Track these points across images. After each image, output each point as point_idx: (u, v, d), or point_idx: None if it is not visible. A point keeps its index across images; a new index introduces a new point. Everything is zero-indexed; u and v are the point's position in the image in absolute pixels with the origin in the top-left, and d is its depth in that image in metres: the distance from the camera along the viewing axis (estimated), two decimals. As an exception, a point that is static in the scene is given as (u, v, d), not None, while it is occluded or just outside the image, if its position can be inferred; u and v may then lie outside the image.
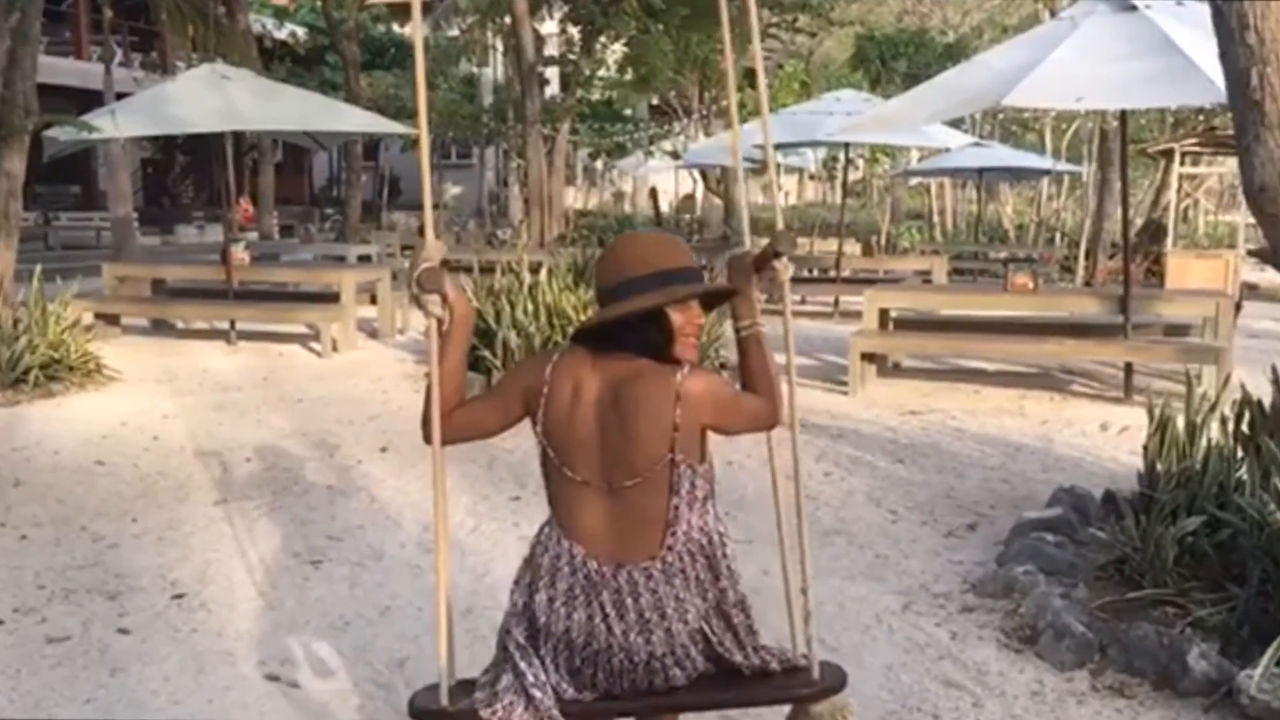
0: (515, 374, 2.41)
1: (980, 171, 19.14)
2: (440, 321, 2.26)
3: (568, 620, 2.24)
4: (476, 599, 4.01)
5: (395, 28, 28.25)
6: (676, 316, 2.26)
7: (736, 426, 2.36)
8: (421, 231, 2.29)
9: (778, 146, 16.84)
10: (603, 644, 2.23)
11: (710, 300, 2.43)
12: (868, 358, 8.31)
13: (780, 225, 2.61)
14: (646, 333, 2.24)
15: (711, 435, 2.30)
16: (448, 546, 2.18)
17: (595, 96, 26.00)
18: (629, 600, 2.23)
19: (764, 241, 2.53)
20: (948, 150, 16.92)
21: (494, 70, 28.61)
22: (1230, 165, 16.57)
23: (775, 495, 2.63)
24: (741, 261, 2.52)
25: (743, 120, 18.24)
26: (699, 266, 2.37)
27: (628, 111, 28.78)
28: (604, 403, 2.22)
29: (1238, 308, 9.23)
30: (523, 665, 2.22)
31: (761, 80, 2.92)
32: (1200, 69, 6.16)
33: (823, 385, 8.34)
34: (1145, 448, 4.51)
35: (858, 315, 9.00)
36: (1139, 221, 17.23)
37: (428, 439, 2.30)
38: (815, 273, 15.13)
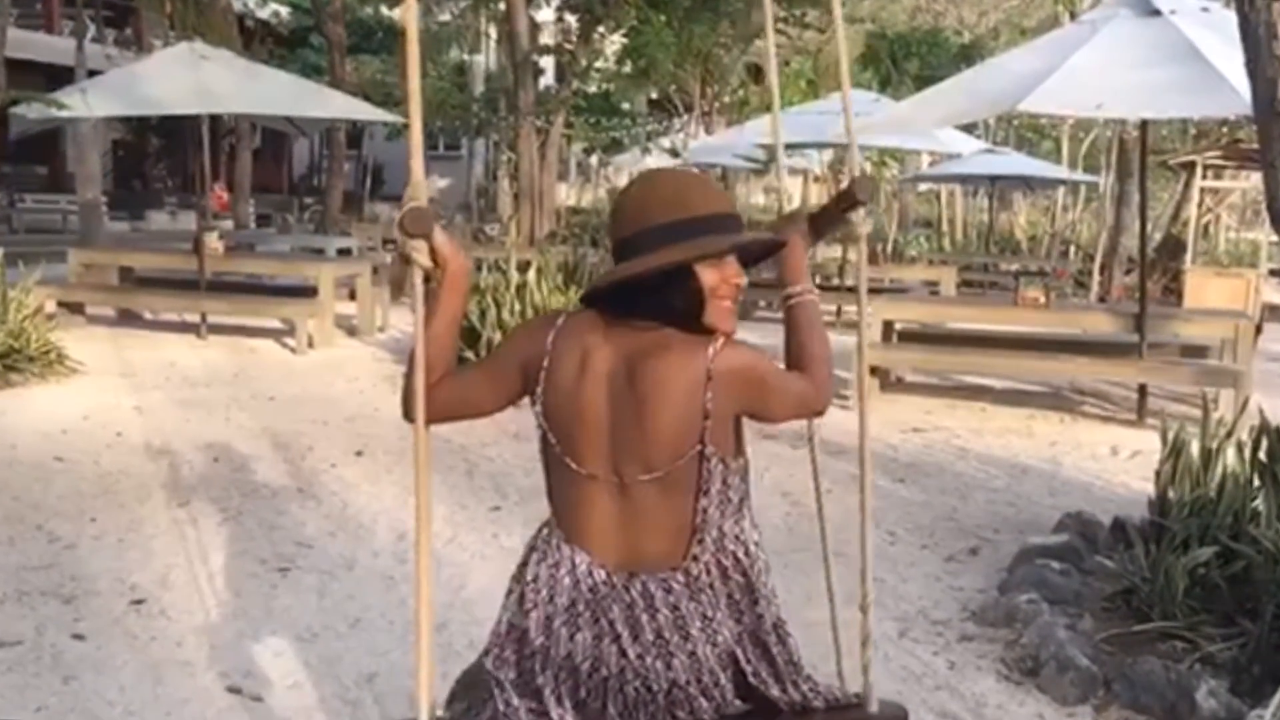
0: (512, 340, 2.11)
1: (993, 179, 19.19)
2: (428, 275, 1.96)
3: (570, 642, 1.95)
4: (452, 613, 4.01)
5: (384, 10, 28.24)
6: (709, 275, 1.93)
7: (780, 413, 2.03)
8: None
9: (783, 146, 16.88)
10: (613, 669, 1.94)
11: (751, 256, 2.09)
12: (870, 371, 8.32)
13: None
14: (672, 295, 1.92)
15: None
16: (429, 553, 1.96)
17: (592, 89, 25.99)
18: (644, 617, 1.94)
19: None
20: (959, 156, 16.95)
21: (486, 58, 28.60)
22: (1254, 180, 16.66)
23: (819, 500, 2.45)
24: (795, 213, 2.22)
25: (745, 118, 18.31)
26: (736, 213, 2.03)
27: (625, 105, 28.79)
28: (618, 379, 1.92)
29: (1258, 330, 9.28)
30: (515, 701, 1.96)
31: (773, 75, 2.83)
32: (1225, 79, 6.19)
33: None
34: (1157, 473, 4.52)
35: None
36: (1157, 236, 17.29)
37: (409, 416, 2.00)
38: (817, 280, 15.12)
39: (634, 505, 1.94)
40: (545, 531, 2.05)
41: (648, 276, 1.90)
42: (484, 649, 2.06)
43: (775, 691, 2.05)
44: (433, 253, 1.93)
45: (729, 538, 2.00)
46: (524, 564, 2.06)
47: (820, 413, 2.11)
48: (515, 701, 1.96)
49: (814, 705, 2.08)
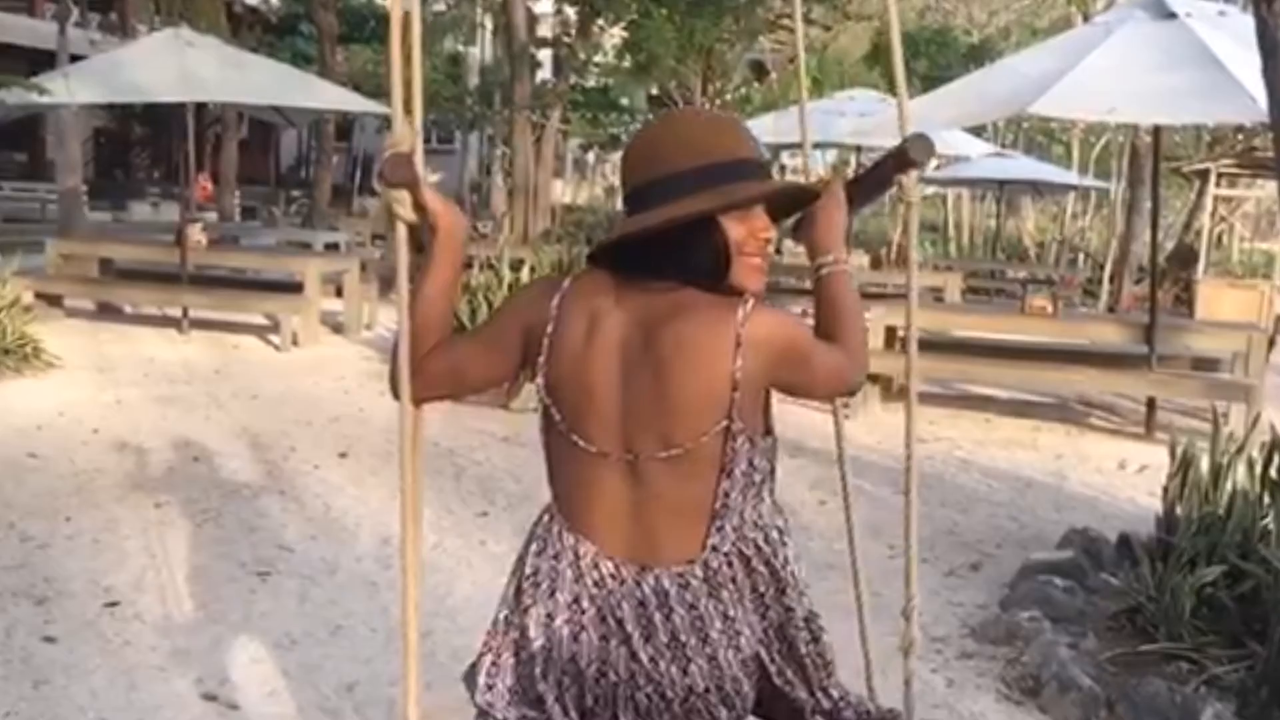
0: (511, 306, 1.94)
1: (1001, 183, 19.23)
2: (413, 230, 1.79)
3: (574, 644, 1.81)
4: (436, 621, 4.00)
5: (376, -2, 28.25)
6: (736, 228, 1.77)
7: (815, 386, 1.90)
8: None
9: (785, 147, 16.92)
10: (623, 674, 1.79)
11: (782, 208, 1.93)
12: (872, 379, 8.32)
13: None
14: (693, 251, 1.76)
15: None
16: (417, 547, 1.82)
17: (590, 83, 26.00)
18: (657, 616, 1.78)
19: None
20: (967, 159, 17.00)
21: (481, 50, 28.62)
22: (1269, 189, 16.73)
23: (845, 495, 2.36)
24: (829, 179, 2.06)
25: (748, 116, 18.30)
26: (764, 158, 1.88)
27: (624, 101, 28.80)
28: (632, 346, 1.76)
29: (1271, 342, 9.27)
30: (511, 712, 1.84)
31: (802, 64, 2.77)
32: (1241, 84, 6.20)
33: (822, 407, 8.33)
34: (1165, 489, 4.53)
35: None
36: (1169, 245, 17.32)
37: (397, 392, 1.86)
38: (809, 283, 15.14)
39: (647, 488, 1.79)
40: (546, 519, 1.90)
41: (665, 230, 1.74)
42: (479, 650, 1.92)
43: (802, 695, 1.92)
44: (420, 209, 1.77)
45: (748, 524, 1.84)
46: (522, 555, 1.92)
47: (854, 390, 2.01)
48: (511, 715, 1.85)
49: (844, 717, 1.95)
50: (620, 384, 1.77)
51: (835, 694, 1.95)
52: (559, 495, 1.88)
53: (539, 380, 1.83)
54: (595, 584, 1.81)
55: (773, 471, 1.89)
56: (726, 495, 1.79)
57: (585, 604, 1.81)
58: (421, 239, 1.80)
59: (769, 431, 1.85)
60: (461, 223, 1.85)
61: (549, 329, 1.81)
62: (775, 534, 1.89)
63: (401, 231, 1.77)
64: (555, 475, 1.89)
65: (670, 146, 1.80)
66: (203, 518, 5.17)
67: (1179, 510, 4.40)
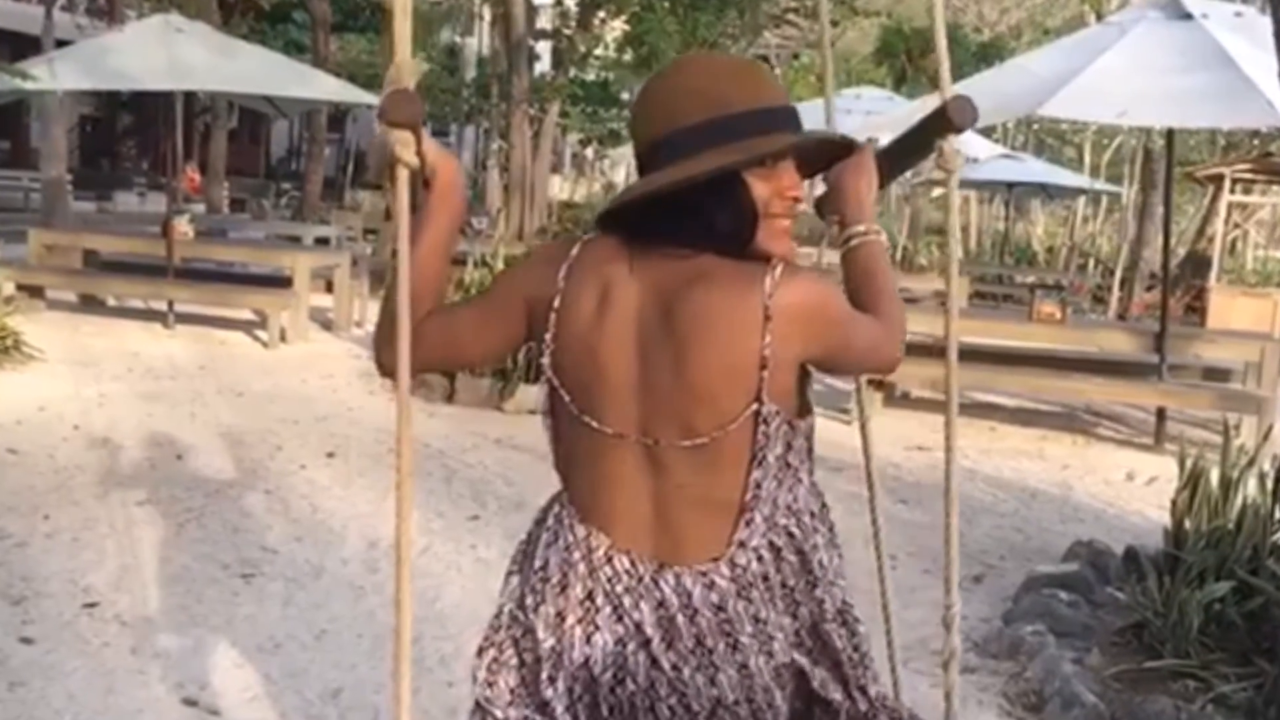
0: (513, 274, 1.80)
1: (1010, 186, 19.27)
2: (415, 178, 1.61)
3: (587, 646, 1.67)
4: (424, 627, 4.00)
5: (372, -13, 28.25)
6: (761, 186, 1.63)
7: (852, 361, 1.79)
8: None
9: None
10: (642, 682, 1.66)
11: (811, 161, 1.79)
12: (874, 384, 8.33)
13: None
14: (714, 212, 1.62)
15: None
16: (409, 533, 1.61)
17: (590, 77, 26.01)
18: (680, 618, 1.65)
19: None
20: (975, 160, 17.01)
21: (479, 41, 28.64)
22: (1285, 196, 16.75)
23: (871, 494, 2.25)
24: (864, 145, 1.90)
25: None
26: (793, 107, 1.71)
27: (625, 96, 28.83)
28: (649, 320, 1.63)
29: (1284, 353, 9.28)
30: (513, 712, 1.73)
31: (828, 54, 2.68)
32: (1258, 88, 6.22)
33: (823, 413, 8.33)
34: (1174, 502, 4.53)
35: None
36: (1181, 251, 17.36)
37: (384, 366, 1.71)
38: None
39: (668, 478, 1.65)
40: (556, 508, 1.77)
41: (683, 189, 1.59)
42: (476, 650, 1.81)
43: (837, 697, 1.77)
44: (419, 157, 1.60)
45: (781, 510, 1.70)
46: (527, 545, 1.81)
47: (891, 367, 1.85)
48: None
49: None
50: (636, 363, 1.63)
51: (872, 692, 1.79)
52: (569, 483, 1.75)
53: (544, 359, 1.69)
54: (609, 580, 1.67)
55: (810, 452, 1.76)
56: (758, 486, 1.65)
57: (599, 601, 1.68)
58: (417, 194, 1.64)
59: (807, 411, 1.71)
60: (461, 177, 1.71)
61: (556, 301, 1.67)
62: (808, 519, 1.75)
63: (403, 179, 1.58)
64: (564, 461, 1.76)
65: (685, 96, 1.64)
66: (185, 517, 5.17)
67: (1188, 524, 4.40)
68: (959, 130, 1.89)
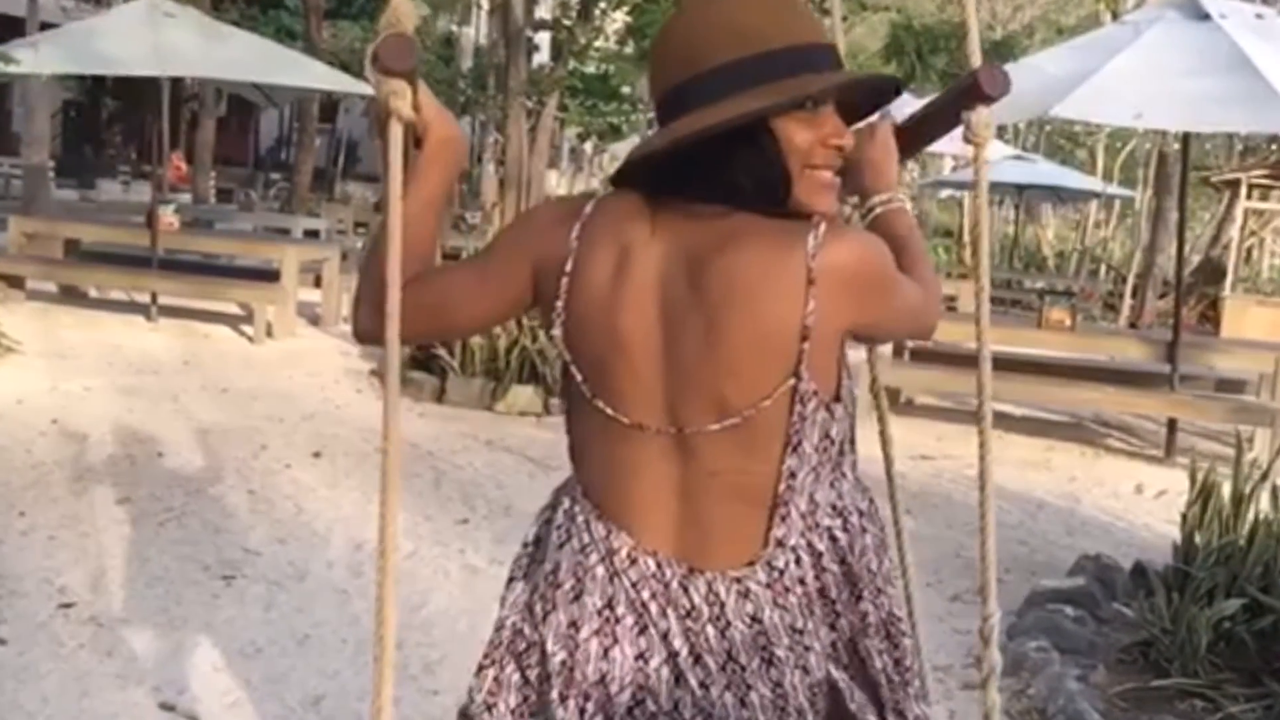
0: (517, 232, 1.64)
1: (1020, 189, 19.28)
2: (409, 130, 1.49)
3: (603, 662, 1.53)
4: (408, 633, 3.99)
5: (367, -27, 28.25)
6: (800, 133, 1.47)
7: (899, 328, 1.71)
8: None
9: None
10: (664, 704, 1.53)
11: (856, 105, 1.62)
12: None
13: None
14: (746, 164, 1.46)
15: None
16: (395, 521, 1.51)
17: (590, 69, 26.01)
18: (710, 630, 1.52)
19: None
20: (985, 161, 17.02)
21: (476, 31, 28.64)
22: (1303, 203, 16.77)
23: (890, 489, 2.20)
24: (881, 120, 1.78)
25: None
26: (833, 44, 1.57)
27: (625, 89, 28.83)
28: (675, 286, 1.48)
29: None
30: None
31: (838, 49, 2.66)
32: (1277, 92, 6.22)
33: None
34: (1184, 516, 4.53)
35: (870, 341, 9.03)
36: (1195, 259, 17.38)
37: (361, 331, 1.57)
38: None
39: (697, 467, 1.51)
40: (567, 503, 1.62)
41: (710, 138, 1.43)
42: (475, 667, 1.67)
43: (871, 718, 1.63)
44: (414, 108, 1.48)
45: (822, 508, 1.57)
46: (535, 546, 1.67)
47: (930, 332, 1.77)
48: None
49: None
50: (660, 336, 1.49)
51: (909, 715, 1.66)
52: (584, 475, 1.61)
53: (555, 331, 1.55)
54: (633, 585, 1.53)
55: (853, 443, 1.65)
56: (792, 476, 1.52)
57: (620, 610, 1.54)
58: (409, 151, 1.52)
59: (842, 391, 1.57)
60: (459, 132, 1.57)
61: (569, 265, 1.51)
62: (855, 518, 1.62)
63: (396, 133, 1.46)
64: (579, 450, 1.62)
65: (712, 33, 1.47)
66: (165, 516, 5.16)
67: (1198, 539, 4.40)
68: (990, 100, 1.78)
